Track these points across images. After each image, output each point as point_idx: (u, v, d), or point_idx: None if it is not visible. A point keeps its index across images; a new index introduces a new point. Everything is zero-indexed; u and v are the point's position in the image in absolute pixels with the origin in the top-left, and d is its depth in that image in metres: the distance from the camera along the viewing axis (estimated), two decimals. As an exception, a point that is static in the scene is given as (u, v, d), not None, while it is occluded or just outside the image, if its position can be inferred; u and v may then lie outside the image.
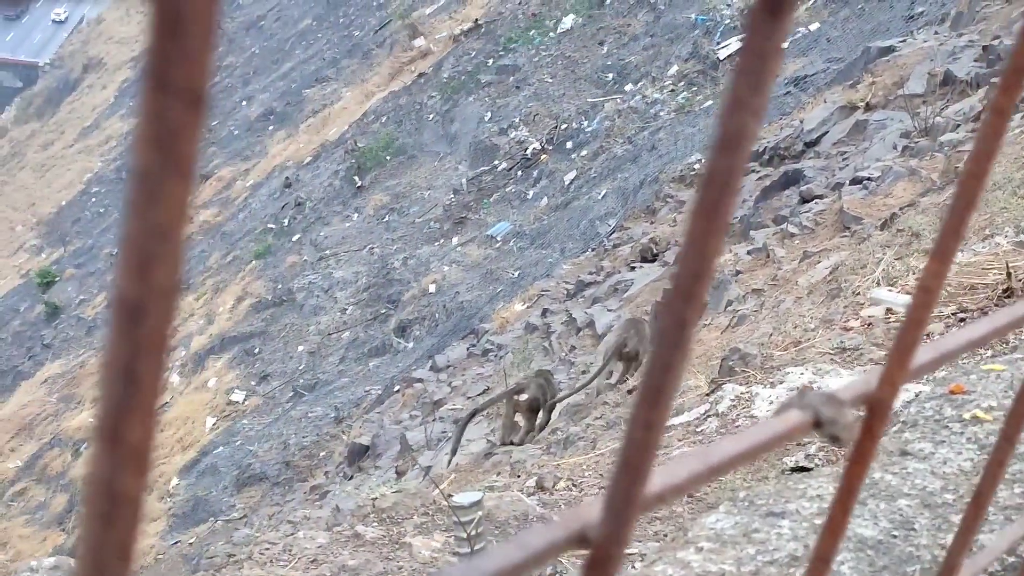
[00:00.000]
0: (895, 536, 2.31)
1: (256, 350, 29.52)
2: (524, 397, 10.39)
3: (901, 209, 10.33)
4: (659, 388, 0.39)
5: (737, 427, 4.74)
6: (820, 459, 4.02)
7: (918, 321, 0.51)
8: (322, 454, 21.28)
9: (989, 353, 4.18)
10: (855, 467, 0.53)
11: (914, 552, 2.25)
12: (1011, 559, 2.15)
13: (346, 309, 28.89)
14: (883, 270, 6.24)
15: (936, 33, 19.13)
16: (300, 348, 28.47)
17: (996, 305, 4.92)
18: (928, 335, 4.81)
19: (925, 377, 4.22)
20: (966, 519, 0.67)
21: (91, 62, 75.07)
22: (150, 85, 0.28)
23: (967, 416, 2.70)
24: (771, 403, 4.79)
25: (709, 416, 5.07)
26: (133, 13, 79.21)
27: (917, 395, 3.43)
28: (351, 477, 16.78)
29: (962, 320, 4.90)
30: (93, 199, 54.61)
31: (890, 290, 5.62)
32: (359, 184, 34.43)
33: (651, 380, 0.39)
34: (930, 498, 2.44)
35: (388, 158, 34.58)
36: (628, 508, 0.41)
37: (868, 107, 17.60)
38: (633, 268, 18.04)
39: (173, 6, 0.27)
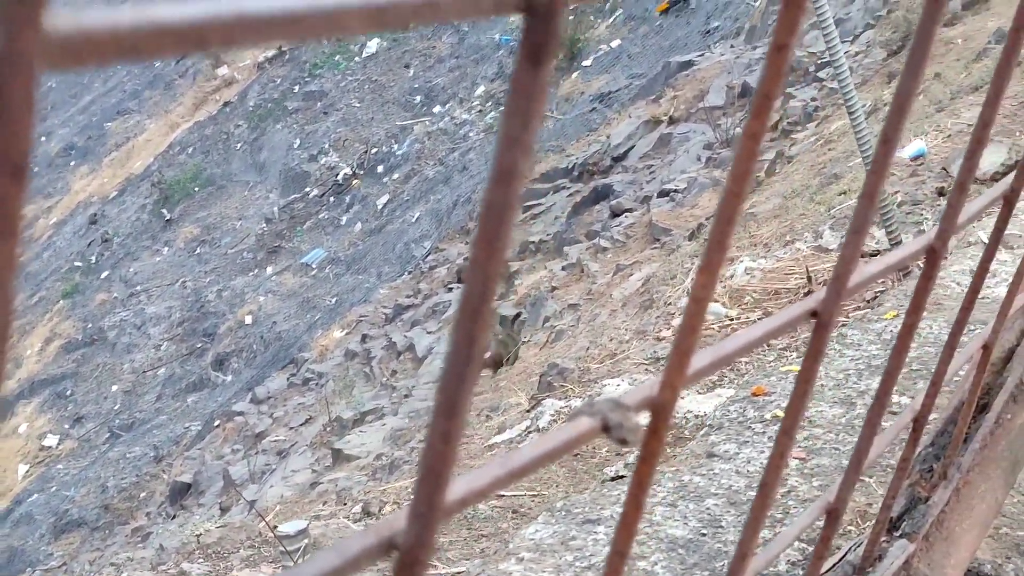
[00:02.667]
0: (704, 534, 2.40)
1: (68, 392, 28.65)
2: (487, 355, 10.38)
3: (707, 219, 10.62)
4: (453, 400, 0.42)
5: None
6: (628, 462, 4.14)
7: (692, 328, 0.55)
8: (143, 495, 20.77)
9: (794, 355, 4.35)
10: (643, 466, 0.57)
11: (722, 548, 2.34)
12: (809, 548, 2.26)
13: (161, 345, 28.28)
14: (692, 280, 6.43)
15: (732, 47, 19.76)
16: (115, 388, 27.73)
17: (798, 308, 5.11)
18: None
19: (728, 381, 4.37)
20: (753, 509, 0.72)
21: None
22: None
23: (768, 416, 2.81)
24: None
25: (530, 432, 5.15)
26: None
27: (722, 398, 3.55)
28: (174, 516, 16.42)
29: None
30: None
31: (698, 298, 5.78)
32: (168, 217, 33.77)
33: (445, 393, 0.42)
34: (736, 496, 2.54)
35: (197, 189, 34.01)
36: (431, 513, 0.43)
37: (671, 121, 18.08)
38: (451, 289, 18.13)
39: None
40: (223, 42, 0.32)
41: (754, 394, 2.96)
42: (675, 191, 13.70)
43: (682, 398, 4.74)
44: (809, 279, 5.30)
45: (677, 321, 5.58)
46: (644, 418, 0.58)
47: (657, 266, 9.22)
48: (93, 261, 34.42)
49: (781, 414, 3.03)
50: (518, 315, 13.51)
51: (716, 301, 5.61)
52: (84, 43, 0.30)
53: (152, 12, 0.29)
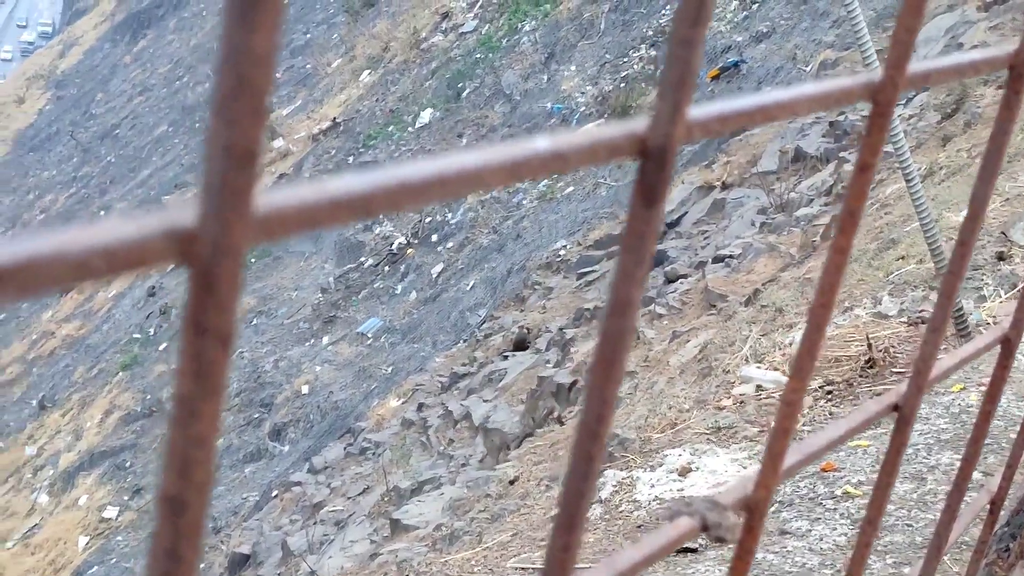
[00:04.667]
0: (780, 612, 2.39)
1: (127, 464, 28.87)
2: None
3: (763, 284, 10.62)
4: (572, 515, 0.43)
5: (621, 512, 4.83)
6: (705, 540, 4.12)
7: (784, 431, 0.58)
8: (202, 566, 20.82)
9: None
10: (739, 563, 0.60)
11: (799, 625, 2.33)
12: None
13: (218, 416, 28.44)
14: (750, 347, 6.43)
15: (783, 112, 19.79)
16: (173, 459, 27.90)
17: (860, 376, 5.10)
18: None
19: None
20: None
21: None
22: (189, 331, 0.34)
23: (839, 492, 2.81)
24: (652, 486, 4.89)
25: (593, 503, 5.15)
26: None
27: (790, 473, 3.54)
28: (233, 588, 16.47)
29: (829, 393, 5.08)
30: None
31: (758, 367, 5.79)
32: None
33: (565, 509, 0.43)
34: (809, 574, 2.53)
35: (253, 260, 34.36)
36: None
37: (724, 186, 18.10)
38: (506, 357, 18.14)
39: (207, 268, 0.32)
40: (388, 207, 0.35)
41: (823, 470, 2.96)
42: (730, 257, 13.70)
43: (744, 467, 4.72)
44: (870, 347, 5.29)
45: (737, 390, 5.59)
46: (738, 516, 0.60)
47: (714, 333, 9.21)
48: (151, 333, 34.80)
49: (852, 491, 3.04)
50: (575, 383, 13.51)
51: (776, 369, 5.61)
52: (277, 220, 0.34)
53: (329, 187, 0.34)
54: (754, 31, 25.24)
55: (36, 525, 29.50)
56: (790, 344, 5.77)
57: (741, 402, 5.33)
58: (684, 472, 4.94)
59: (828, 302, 0.57)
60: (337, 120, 38.40)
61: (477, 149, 0.38)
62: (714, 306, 11.97)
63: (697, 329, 10.77)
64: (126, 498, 27.78)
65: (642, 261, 0.43)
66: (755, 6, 26.35)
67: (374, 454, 18.56)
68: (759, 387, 5.47)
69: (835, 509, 2.73)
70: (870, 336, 5.34)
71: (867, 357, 5.19)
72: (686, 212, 18.42)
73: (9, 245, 0.30)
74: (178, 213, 0.35)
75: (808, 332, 0.57)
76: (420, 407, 18.88)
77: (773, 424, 0.60)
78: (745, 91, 23.36)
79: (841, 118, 16.81)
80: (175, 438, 0.34)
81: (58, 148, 64.52)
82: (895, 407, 0.72)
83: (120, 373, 33.49)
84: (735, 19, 26.70)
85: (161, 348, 33.19)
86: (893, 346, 5.27)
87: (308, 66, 47.41)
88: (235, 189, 0.32)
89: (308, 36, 50.99)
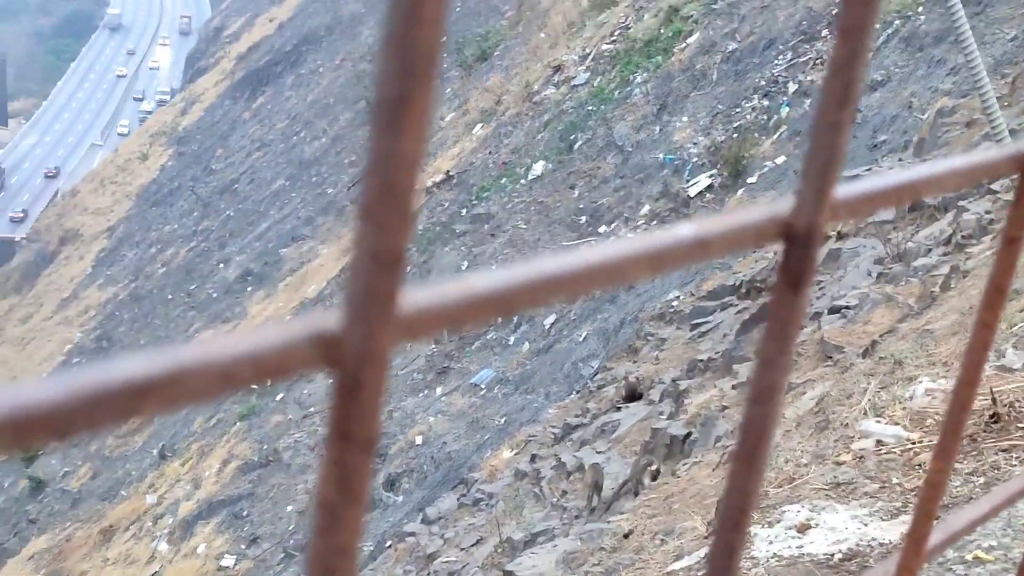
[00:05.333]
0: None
1: (245, 512, 29.24)
2: None
3: (881, 336, 10.44)
4: None
5: (739, 570, 4.74)
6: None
7: (928, 514, 0.57)
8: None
9: (981, 480, 4.23)
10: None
11: None
12: None
13: (333, 466, 28.71)
14: (869, 400, 6.32)
15: (900, 160, 19.53)
16: (289, 508, 28.21)
17: (984, 431, 4.99)
18: (920, 465, 4.88)
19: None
20: None
21: (67, 234, 75.61)
22: (333, 436, 0.33)
23: (969, 557, 2.74)
24: (770, 543, 4.82)
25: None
26: (108, 184, 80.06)
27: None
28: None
29: (952, 448, 4.95)
30: (74, 370, 54.40)
31: (878, 421, 5.69)
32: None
33: None
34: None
35: (368, 312, 34.73)
36: None
37: (840, 236, 17.86)
38: (619, 408, 18.05)
39: (352, 373, 0.31)
40: (530, 305, 0.34)
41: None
42: (846, 307, 13.49)
43: (864, 524, 4.63)
44: (994, 401, 5.17)
45: (857, 444, 5.49)
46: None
47: (830, 385, 9.07)
48: (268, 383, 35.26)
49: (984, 556, 2.95)
50: (688, 435, 13.39)
51: (897, 424, 5.50)
52: (420, 323, 0.33)
53: (471, 286, 0.33)
54: (869, 79, 24.96)
55: (156, 573, 29.97)
56: (910, 398, 5.65)
57: (861, 457, 5.24)
58: (803, 528, 4.86)
59: (974, 380, 0.56)
60: (451, 173, 38.78)
61: (619, 241, 0.36)
62: (830, 357, 11.79)
63: (813, 381, 10.61)
64: (243, 547, 28.11)
65: (787, 348, 0.41)
66: (869, 54, 26.09)
67: (487, 505, 18.56)
68: (879, 442, 5.36)
69: (966, 575, 2.66)
70: (994, 390, 5.21)
71: (991, 412, 5.07)
72: (801, 262, 18.22)
73: (155, 357, 0.29)
74: (323, 318, 0.34)
75: (951, 412, 0.56)
76: (533, 458, 18.85)
77: (916, 505, 0.59)
78: (860, 140, 23.11)
79: (960, 166, 16.54)
80: (317, 546, 0.33)
81: (179, 203, 66.10)
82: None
83: (238, 423, 34.01)
84: (849, 67, 26.47)
85: (278, 398, 33.65)
86: (1018, 400, 5.13)
87: (422, 120, 47.99)
88: (380, 294, 0.31)
89: (422, 90, 51.64)
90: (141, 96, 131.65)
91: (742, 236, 0.39)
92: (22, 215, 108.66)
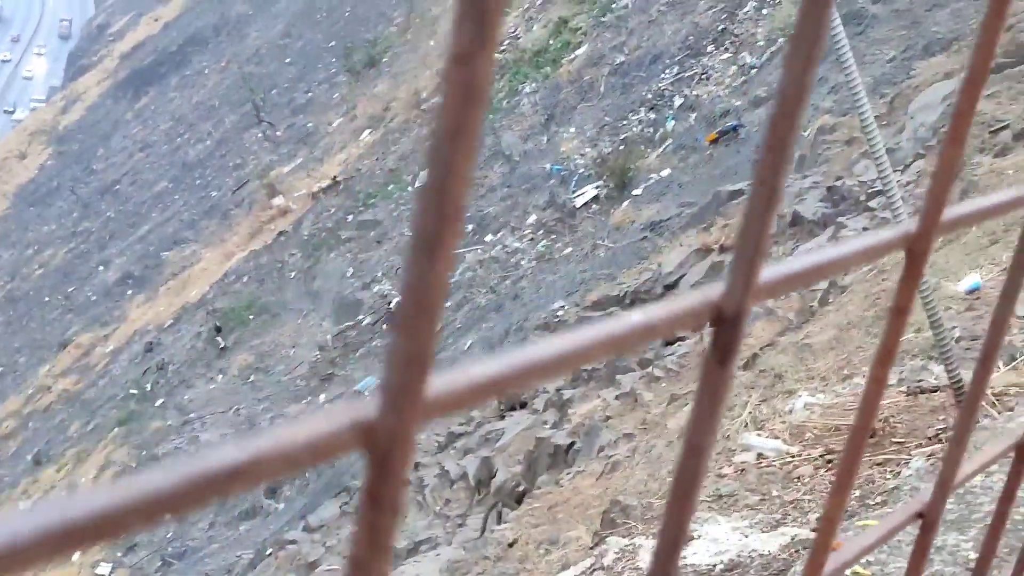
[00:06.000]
0: None
1: (121, 520, 28.71)
2: None
3: (761, 349, 10.65)
4: None
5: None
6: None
7: (824, 546, 0.63)
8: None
9: (871, 503, 4.36)
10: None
11: None
12: None
13: (214, 473, 28.35)
14: (750, 413, 6.46)
15: (781, 176, 19.90)
16: (167, 516, 27.75)
17: (860, 445, 5.12)
18: (799, 478, 5.01)
19: (792, 519, 4.38)
20: None
21: (-60, 232, 73.45)
22: (366, 502, 0.40)
23: (847, 572, 2.83)
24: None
25: (595, 570, 5.16)
26: None
27: (787, 538, 3.56)
28: (227, 648, 16.37)
29: (830, 463, 5.10)
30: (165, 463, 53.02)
31: (759, 434, 5.82)
32: (222, 345, 34.11)
33: None
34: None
35: (251, 317, 34.40)
36: None
37: (723, 249, 18.18)
38: (503, 417, 18.14)
39: (384, 452, 0.38)
40: (522, 386, 0.41)
41: (832, 549, 2.98)
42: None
43: (745, 535, 4.74)
44: (870, 415, 5.30)
45: (738, 457, 5.61)
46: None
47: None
48: (148, 389, 34.75)
49: (861, 571, 3.06)
50: (572, 444, 13.51)
51: (776, 438, 5.64)
52: (440, 405, 0.39)
53: (475, 372, 0.41)
54: (752, 96, 25.45)
55: (28, 582, 29.28)
56: (790, 411, 5.80)
57: (742, 470, 5.36)
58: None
59: (860, 442, 0.61)
60: (337, 178, 38.60)
61: (584, 328, 0.44)
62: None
63: (695, 392, 10.77)
64: (119, 554, 27.63)
65: (716, 413, 0.48)
66: (753, 71, 26.59)
67: (370, 513, 18.50)
68: (760, 455, 5.49)
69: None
70: (871, 405, 5.32)
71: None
72: (684, 274, 18.49)
73: (239, 447, 0.35)
74: (360, 408, 0.39)
75: (845, 457, 0.62)
76: (416, 466, 18.83)
77: (814, 541, 0.64)
78: (743, 155, 23.54)
79: (839, 183, 16.94)
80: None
81: (58, 203, 64.73)
82: (920, 515, 0.77)
83: (116, 428, 33.42)
84: (733, 83, 26.94)
85: (158, 404, 33.13)
86: (892, 416, 5.29)
87: (309, 125, 47.72)
88: (411, 389, 0.36)
89: (309, 95, 51.36)
90: (12, 109, 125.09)
91: (681, 319, 0.45)
92: None
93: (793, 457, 5.27)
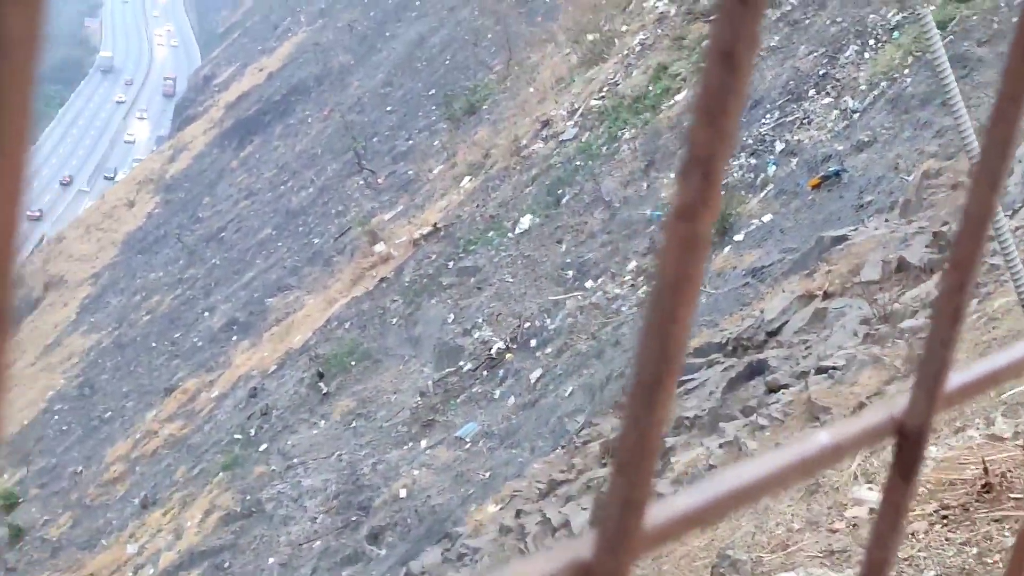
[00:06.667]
0: None
1: (226, 564, 29.04)
2: None
3: (868, 398, 10.50)
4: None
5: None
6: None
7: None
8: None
9: (988, 565, 4.27)
10: None
11: None
12: None
13: (316, 518, 28.58)
14: (859, 465, 6.37)
15: (887, 221, 19.68)
16: (271, 560, 28.04)
17: (977, 501, 5.03)
18: (913, 534, 4.91)
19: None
20: None
21: (52, 280, 75.36)
22: None
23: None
24: (766, 610, 4.84)
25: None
26: (93, 230, 79.94)
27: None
28: None
29: (944, 518, 5.01)
30: (56, 417, 54.19)
31: (870, 487, 5.73)
32: (325, 391, 34.44)
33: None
34: None
35: (353, 363, 34.69)
36: None
37: (826, 295, 17.96)
38: (605, 465, 18.05)
39: None
40: (721, 516, 0.43)
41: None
42: (833, 368, 13.56)
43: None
44: (986, 471, 5.21)
45: (850, 512, 5.53)
46: None
47: (820, 447, 9.11)
48: (252, 434, 35.16)
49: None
50: (675, 494, 13.38)
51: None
52: (650, 540, 0.40)
53: (679, 503, 0.41)
54: (855, 140, 25.21)
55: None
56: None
57: (854, 525, 5.28)
58: (797, 595, 4.89)
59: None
60: (438, 225, 38.88)
61: (774, 453, 0.45)
62: (818, 418, 11.84)
63: (879, 506, 10.63)
64: (223, 599, 27.92)
65: (897, 528, 0.48)
66: (856, 115, 26.34)
67: (472, 560, 18.51)
68: (872, 509, 5.40)
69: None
70: (986, 460, 5.26)
71: (983, 482, 5.11)
72: (787, 321, 18.29)
73: None
74: (577, 548, 0.40)
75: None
76: (518, 513, 18.81)
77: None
78: (846, 200, 23.29)
79: (945, 228, 16.68)
80: None
81: (165, 250, 66.06)
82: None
83: (221, 473, 33.85)
84: (836, 128, 26.70)
85: (262, 449, 33.50)
86: (1010, 470, 5.19)
87: (410, 172, 48.21)
88: (628, 530, 0.37)
89: (410, 143, 51.91)
90: (112, 175, 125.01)
91: (864, 436, 0.46)
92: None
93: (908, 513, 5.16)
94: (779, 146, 28.09)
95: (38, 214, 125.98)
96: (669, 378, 0.33)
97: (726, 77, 0.31)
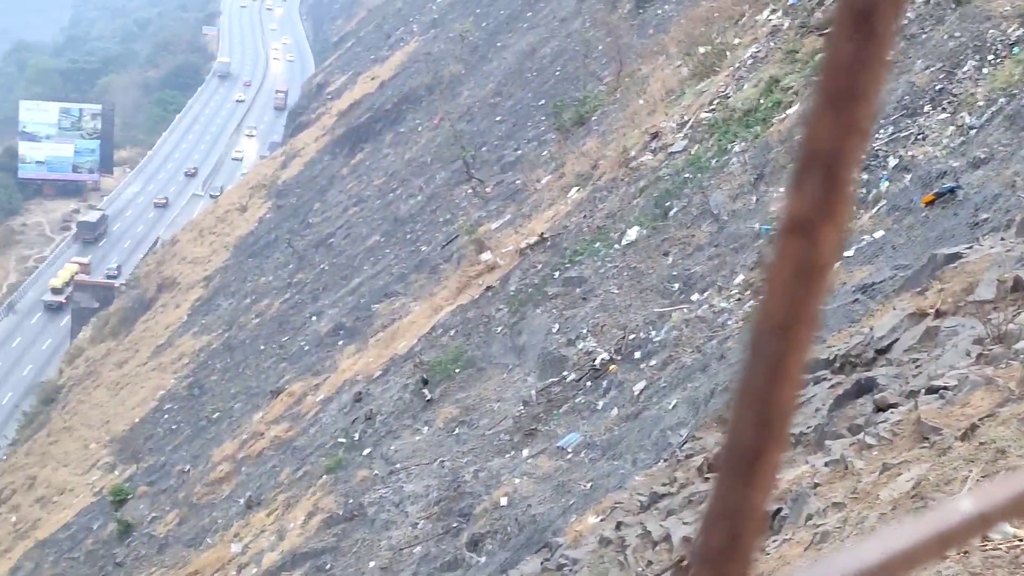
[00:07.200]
0: None
1: (328, 566, 29.36)
2: None
3: (981, 420, 10.29)
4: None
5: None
6: None
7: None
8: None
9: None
10: None
11: None
12: None
13: (417, 523, 28.78)
14: (970, 489, 6.24)
15: (1002, 240, 19.26)
16: (372, 564, 28.29)
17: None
18: (1025, 560, 4.80)
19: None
20: None
21: (165, 282, 76.95)
22: None
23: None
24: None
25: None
26: (207, 234, 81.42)
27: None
28: None
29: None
30: (166, 416, 55.30)
31: None
32: (428, 397, 34.67)
33: None
34: None
35: (457, 371, 34.88)
36: None
37: (938, 314, 17.63)
38: (707, 479, 17.92)
39: None
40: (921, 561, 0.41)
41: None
42: (944, 388, 13.29)
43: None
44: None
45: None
46: None
47: (928, 468, 8.96)
48: (356, 438, 35.51)
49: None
50: (778, 511, 13.25)
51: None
52: None
53: (819, 570, 0.37)
54: (971, 156, 24.73)
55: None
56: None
57: (966, 552, 5.17)
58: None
59: None
60: (544, 235, 38.95)
61: (905, 524, 0.38)
62: (927, 439, 11.62)
63: (909, 463, 10.48)
64: (324, 601, 28.21)
65: None
66: (972, 131, 25.84)
67: (570, 571, 18.50)
68: (984, 536, 5.29)
69: None
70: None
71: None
72: (897, 339, 17.99)
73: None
74: None
75: None
76: (619, 525, 18.75)
77: None
78: (961, 218, 22.86)
79: (1064, 248, 16.29)
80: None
81: (275, 255, 67.08)
82: None
83: (324, 476, 34.24)
84: (951, 144, 26.22)
85: (365, 453, 33.83)
86: None
87: (518, 181, 48.35)
88: None
89: (519, 152, 52.09)
90: (218, 192, 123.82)
91: (1018, 504, 0.40)
92: (116, 270, 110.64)
93: (1021, 541, 5.06)
94: (892, 161, 27.65)
95: (164, 201, 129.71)
96: (773, 449, 0.26)
97: (862, 46, 0.24)
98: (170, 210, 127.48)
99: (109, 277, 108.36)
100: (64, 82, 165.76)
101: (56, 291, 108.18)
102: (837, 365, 18.76)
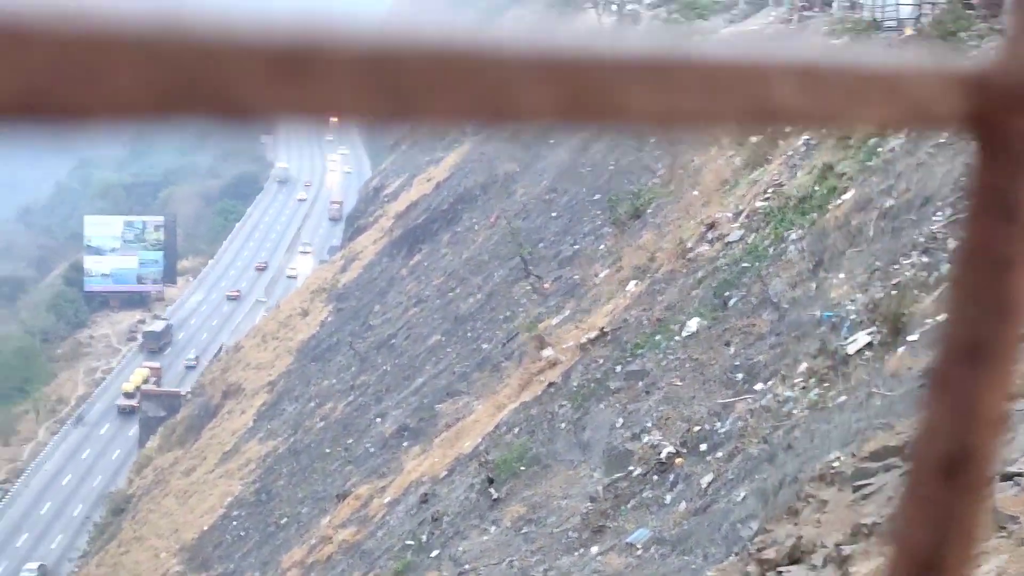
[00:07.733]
0: None
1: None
2: None
3: (1056, 507, 10.14)
4: None
5: None
6: None
7: None
8: None
9: None
10: None
11: None
12: None
13: (489, 625, 28.56)
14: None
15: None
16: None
17: None
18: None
19: None
20: None
21: (230, 388, 77.58)
22: None
23: None
24: None
25: None
26: (269, 339, 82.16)
27: None
28: None
29: None
30: (234, 523, 55.43)
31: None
32: (495, 496, 34.55)
33: None
34: None
35: (522, 468, 34.78)
36: None
37: (1012, 396, 17.42)
38: (780, 573, 17.71)
39: None
40: None
41: None
42: (1018, 474, 13.13)
43: None
44: None
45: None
46: None
47: (1007, 559, 8.83)
48: (424, 540, 35.40)
49: None
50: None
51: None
52: None
53: None
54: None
55: None
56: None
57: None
58: None
59: None
60: (605, 329, 38.98)
61: None
62: (1004, 528, 11.46)
63: (987, 552, 10.33)
64: None
65: None
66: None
67: (646, 671, 18.26)
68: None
69: None
70: None
71: None
72: (967, 424, 17.77)
73: None
74: None
75: None
76: (692, 623, 18.53)
77: None
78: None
79: None
80: None
81: (338, 358, 67.49)
82: None
83: (396, 581, 34.12)
84: (1011, 223, 26.08)
85: (433, 555, 33.70)
86: None
87: (576, 277, 48.54)
88: None
89: (576, 247, 52.34)
90: (274, 306, 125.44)
91: None
92: (195, 360, 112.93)
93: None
94: (952, 243, 27.52)
95: (237, 293, 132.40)
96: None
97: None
98: (243, 303, 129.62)
99: (188, 367, 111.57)
100: (127, 195, 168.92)
101: (128, 395, 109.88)
102: (907, 452, 18.56)
